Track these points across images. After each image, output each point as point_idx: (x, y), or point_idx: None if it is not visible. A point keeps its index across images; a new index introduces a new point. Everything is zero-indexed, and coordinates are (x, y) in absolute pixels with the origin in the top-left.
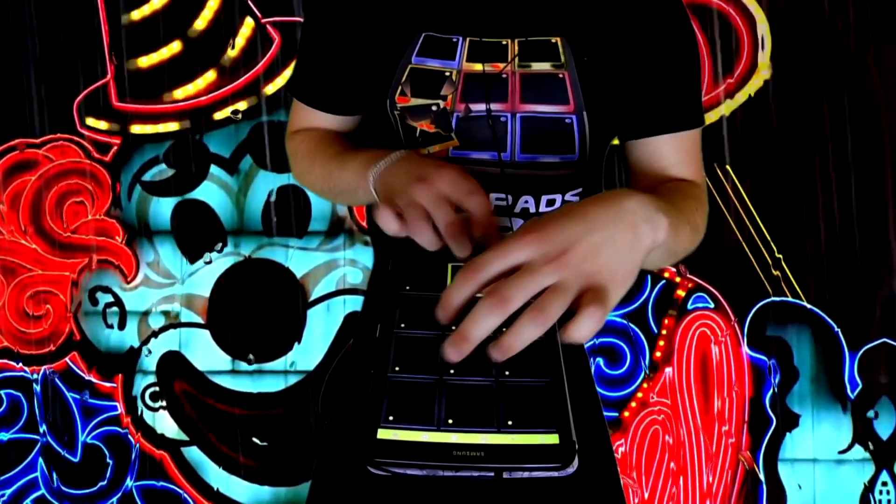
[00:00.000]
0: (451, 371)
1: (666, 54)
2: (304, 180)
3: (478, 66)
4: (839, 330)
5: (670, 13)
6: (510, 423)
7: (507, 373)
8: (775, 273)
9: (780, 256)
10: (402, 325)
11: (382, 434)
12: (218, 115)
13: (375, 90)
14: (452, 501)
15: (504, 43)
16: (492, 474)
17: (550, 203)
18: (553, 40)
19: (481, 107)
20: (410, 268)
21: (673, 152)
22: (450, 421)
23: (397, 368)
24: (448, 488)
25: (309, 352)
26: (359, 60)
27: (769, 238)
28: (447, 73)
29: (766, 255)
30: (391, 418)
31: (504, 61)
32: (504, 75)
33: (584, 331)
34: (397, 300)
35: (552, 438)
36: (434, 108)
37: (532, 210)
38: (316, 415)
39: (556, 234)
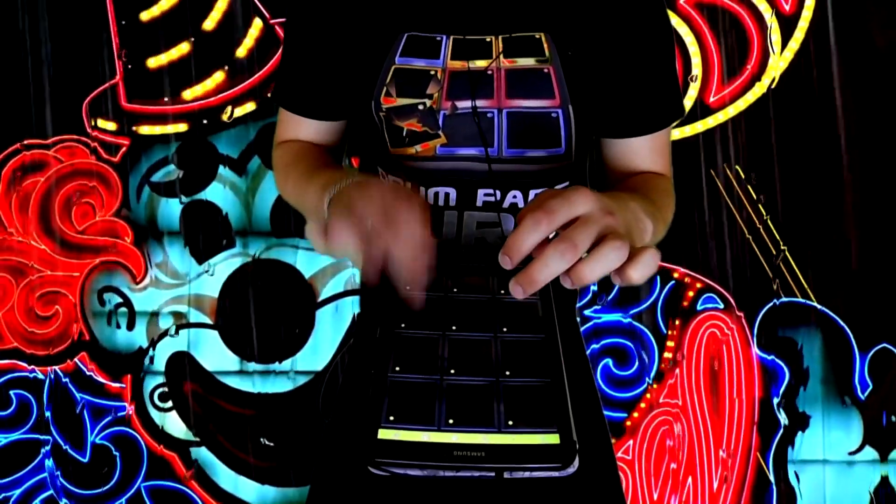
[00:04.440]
0: (452, 371)
1: (644, 50)
2: (283, 194)
3: (462, 64)
4: (849, 331)
5: (649, 9)
6: (511, 423)
7: (507, 373)
8: (785, 273)
9: (790, 257)
10: (402, 326)
11: (383, 434)
12: (226, 116)
13: (360, 92)
14: (453, 502)
15: (488, 40)
16: (492, 474)
17: None
18: (537, 36)
19: (467, 104)
20: None
21: (649, 150)
22: (450, 421)
23: (397, 368)
24: (448, 488)
25: (317, 352)
26: (342, 63)
27: (779, 238)
28: (432, 72)
29: (776, 256)
30: (392, 418)
31: (489, 58)
32: (489, 72)
33: (642, 271)
34: (397, 300)
35: (553, 438)
36: (420, 107)
37: (521, 205)
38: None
39: (604, 197)
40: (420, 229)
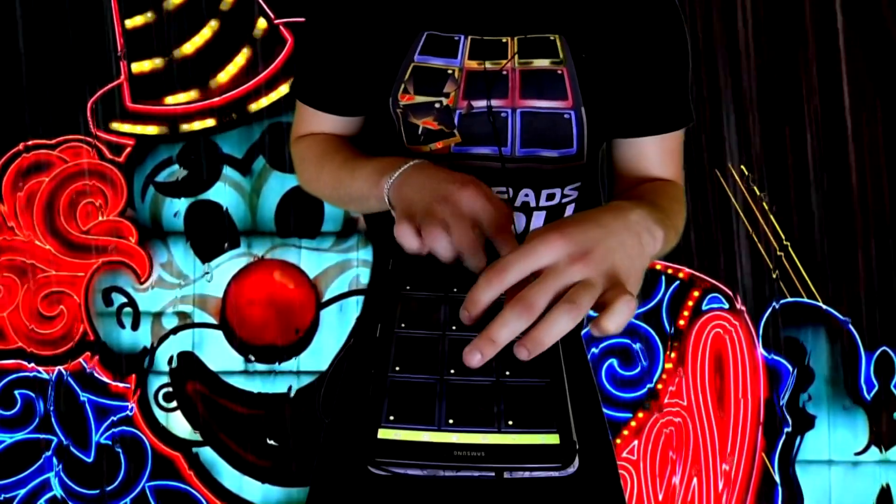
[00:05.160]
0: (452, 371)
1: (657, 54)
2: (311, 187)
3: (479, 64)
4: (855, 331)
5: (664, 13)
6: (511, 423)
7: (507, 373)
8: (790, 273)
9: (795, 257)
10: (402, 325)
11: (383, 434)
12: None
13: (378, 89)
14: (453, 501)
15: (504, 41)
16: (492, 474)
17: (550, 197)
18: (552, 37)
19: (483, 103)
20: (410, 268)
21: (658, 152)
22: (450, 421)
23: (398, 368)
24: (448, 488)
25: (322, 352)
26: (361, 60)
27: (784, 238)
28: (449, 71)
29: (782, 256)
30: (392, 418)
31: (504, 58)
32: (505, 72)
33: (617, 321)
34: (397, 300)
35: (553, 438)
36: (437, 105)
37: (532, 204)
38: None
39: (577, 235)
40: (499, 207)
